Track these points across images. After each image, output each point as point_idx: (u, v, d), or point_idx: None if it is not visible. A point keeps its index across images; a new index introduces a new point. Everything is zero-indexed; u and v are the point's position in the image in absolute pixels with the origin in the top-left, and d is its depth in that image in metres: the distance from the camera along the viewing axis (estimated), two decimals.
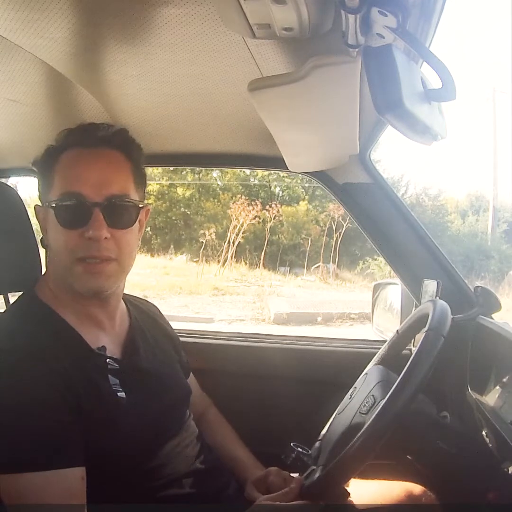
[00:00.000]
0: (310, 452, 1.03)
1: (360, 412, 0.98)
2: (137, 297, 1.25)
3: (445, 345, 0.89)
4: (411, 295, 1.45)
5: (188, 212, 15.25)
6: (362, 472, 0.86)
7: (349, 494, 0.99)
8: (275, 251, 14.09)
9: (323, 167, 1.46)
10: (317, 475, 0.93)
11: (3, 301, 1.22)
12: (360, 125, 1.11)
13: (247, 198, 13.10)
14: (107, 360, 0.98)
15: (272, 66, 0.93)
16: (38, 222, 1.05)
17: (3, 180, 1.55)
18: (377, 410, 0.85)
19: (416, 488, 1.17)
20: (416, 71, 0.79)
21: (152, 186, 14.81)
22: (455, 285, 1.40)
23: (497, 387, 1.13)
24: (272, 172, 13.26)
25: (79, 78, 1.06)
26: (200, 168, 13.44)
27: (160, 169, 13.43)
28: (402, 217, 1.44)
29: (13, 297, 1.11)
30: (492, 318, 1.31)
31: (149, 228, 14.85)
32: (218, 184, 16.04)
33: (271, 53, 0.88)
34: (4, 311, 1.05)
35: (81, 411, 0.88)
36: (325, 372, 1.53)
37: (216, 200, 15.28)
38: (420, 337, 0.92)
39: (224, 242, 12.67)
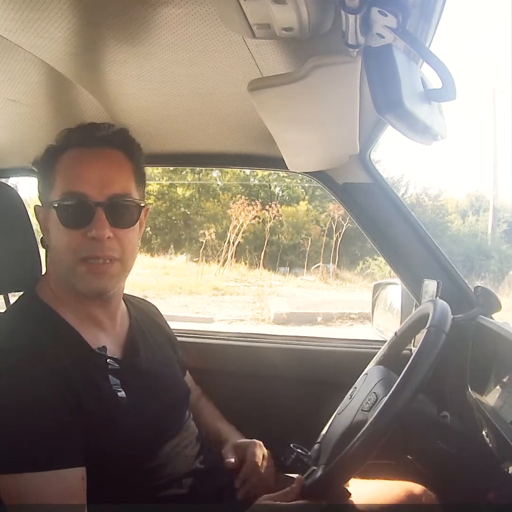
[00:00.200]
0: (309, 453, 1.03)
1: (362, 410, 0.98)
2: (137, 297, 1.25)
3: (445, 345, 0.89)
4: (411, 295, 1.44)
5: (188, 212, 15.25)
6: (362, 472, 0.86)
7: (350, 494, 0.99)
8: (275, 251, 14.08)
9: (323, 167, 1.46)
10: (318, 474, 0.93)
11: (3, 301, 1.22)
12: (360, 125, 1.11)
13: (247, 198, 13.09)
14: (108, 360, 0.98)
15: (272, 66, 0.93)
16: (38, 222, 1.05)
17: (3, 180, 1.55)
18: (380, 406, 0.85)
19: (416, 488, 1.17)
20: (416, 71, 0.79)
21: (152, 186, 14.81)
22: (455, 285, 1.40)
23: (497, 387, 1.13)
24: (272, 172, 13.27)
25: (79, 78, 1.06)
26: (200, 168, 13.44)
27: (160, 169, 13.43)
28: (402, 217, 1.44)
29: (13, 297, 1.11)
30: (492, 318, 1.31)
31: (149, 228, 14.84)
32: (218, 184, 16.04)
33: (271, 53, 0.88)
34: (5, 311, 1.05)
35: (81, 411, 0.88)
36: (325, 372, 1.53)
37: (216, 200, 15.27)
38: (420, 337, 0.92)
39: (224, 242, 12.67)
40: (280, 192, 16.16)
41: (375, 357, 1.23)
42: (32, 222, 1.18)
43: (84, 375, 0.92)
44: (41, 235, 1.07)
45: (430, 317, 0.94)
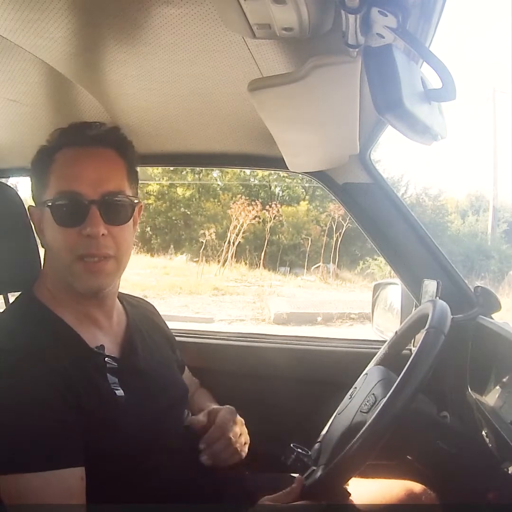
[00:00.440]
0: (310, 453, 1.03)
1: (361, 411, 0.98)
2: (133, 296, 1.25)
3: (445, 345, 0.89)
4: (411, 295, 1.44)
5: (188, 212, 15.25)
6: (362, 472, 0.86)
7: (350, 494, 0.99)
8: (275, 251, 14.08)
9: (323, 167, 1.46)
10: (318, 475, 0.93)
11: (3, 301, 1.22)
12: (360, 125, 1.11)
13: (247, 198, 13.10)
14: (106, 359, 0.98)
15: (272, 66, 0.93)
16: (33, 223, 1.06)
17: (3, 180, 1.55)
18: (379, 408, 0.85)
19: (416, 488, 1.17)
20: (416, 71, 0.79)
21: (152, 186, 14.82)
22: (455, 285, 1.40)
23: (497, 387, 1.13)
24: (272, 172, 13.27)
25: (79, 78, 1.06)
26: (200, 168, 13.44)
27: (160, 169, 13.42)
28: (402, 217, 1.44)
29: (13, 297, 1.11)
30: (492, 318, 1.31)
31: (149, 228, 14.86)
32: (218, 184, 16.04)
33: (271, 53, 0.88)
34: (3, 311, 1.05)
35: (81, 411, 0.88)
36: (325, 372, 1.53)
37: (216, 200, 15.27)
38: (420, 337, 0.92)
39: (224, 242, 12.67)
40: (280, 192, 16.17)
41: (375, 357, 1.23)
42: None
43: (83, 375, 0.92)
44: None
45: (429, 319, 0.94)
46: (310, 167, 1.48)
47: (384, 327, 1.65)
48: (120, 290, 1.17)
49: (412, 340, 1.28)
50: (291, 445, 1.03)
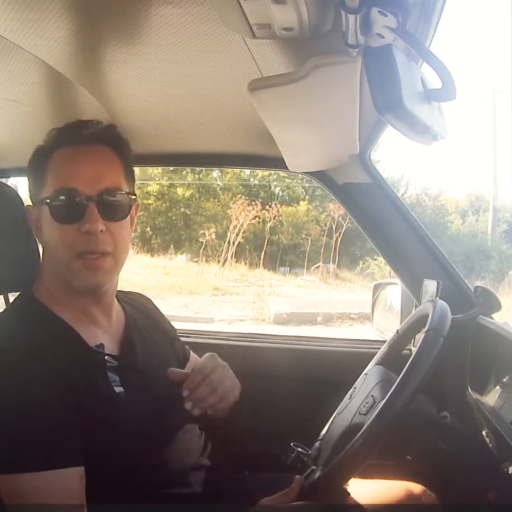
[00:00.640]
0: (310, 452, 1.03)
1: (359, 413, 0.98)
2: (128, 292, 1.25)
3: (445, 345, 0.89)
4: (411, 295, 1.45)
5: (188, 212, 15.24)
6: (362, 472, 0.86)
7: (349, 494, 0.99)
8: (275, 251, 14.08)
9: (323, 167, 1.46)
10: (317, 475, 0.93)
11: (3, 301, 1.22)
12: (360, 125, 1.11)
13: (247, 198, 13.09)
14: (106, 357, 0.98)
15: (272, 66, 0.93)
16: (31, 222, 1.06)
17: (3, 180, 1.55)
18: (377, 411, 0.85)
19: (416, 488, 1.17)
20: (416, 71, 0.79)
21: (152, 186, 14.81)
22: (455, 285, 1.40)
23: (497, 387, 1.13)
24: (272, 172, 13.26)
25: (79, 78, 1.06)
26: (200, 168, 13.44)
27: (160, 169, 13.42)
28: (402, 217, 1.44)
29: (13, 298, 1.11)
30: (492, 318, 1.31)
31: (149, 228, 14.85)
32: (218, 184, 16.04)
33: (271, 53, 0.88)
34: (2, 311, 1.05)
35: (81, 410, 0.88)
36: (325, 372, 1.53)
37: (216, 200, 15.27)
38: (420, 337, 0.92)
39: (224, 242, 12.67)
40: (280, 192, 16.16)
41: (375, 357, 1.23)
42: None
43: (83, 374, 0.92)
44: None
45: (428, 320, 0.94)
46: (310, 167, 1.48)
47: (384, 327, 1.65)
48: (119, 290, 1.17)
49: (412, 340, 1.28)
50: (291, 444, 1.03)
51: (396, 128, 0.76)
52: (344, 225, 12.62)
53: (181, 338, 1.31)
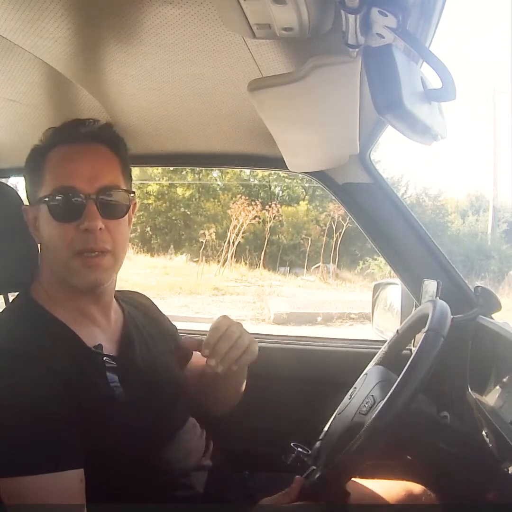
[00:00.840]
0: (310, 452, 1.03)
1: (359, 413, 0.98)
2: (126, 292, 1.25)
3: (445, 345, 0.89)
4: (411, 295, 1.44)
5: (188, 212, 15.24)
6: (362, 472, 0.86)
7: (349, 494, 0.99)
8: (275, 251, 14.08)
9: (323, 167, 1.46)
10: (317, 475, 0.93)
11: (3, 301, 1.22)
12: (360, 125, 1.11)
13: (247, 198, 13.09)
14: (105, 358, 0.98)
15: (272, 66, 0.93)
16: (28, 222, 1.05)
17: (3, 180, 1.55)
18: (377, 411, 0.85)
19: (416, 488, 1.17)
20: (416, 71, 0.79)
21: (152, 186, 14.82)
22: (455, 285, 1.40)
23: (497, 387, 1.13)
24: (272, 172, 13.26)
25: (79, 78, 1.06)
26: (200, 168, 13.43)
27: (160, 169, 13.42)
28: (402, 217, 1.44)
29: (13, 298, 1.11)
30: (492, 318, 1.31)
31: (149, 228, 14.85)
32: (218, 184, 16.04)
33: (271, 53, 0.88)
34: (1, 312, 1.05)
35: (80, 411, 0.88)
36: (325, 372, 1.53)
37: (216, 200, 15.27)
38: (420, 337, 0.92)
39: (224, 242, 12.67)
40: (280, 192, 16.17)
41: (375, 357, 1.23)
42: None
43: (82, 375, 0.92)
44: None
45: (428, 320, 0.94)
46: (310, 167, 1.48)
47: (384, 327, 1.64)
48: (119, 290, 1.17)
49: (412, 340, 1.28)
50: (292, 444, 1.03)
51: (396, 128, 0.76)
52: (344, 225, 12.62)
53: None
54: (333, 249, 13.17)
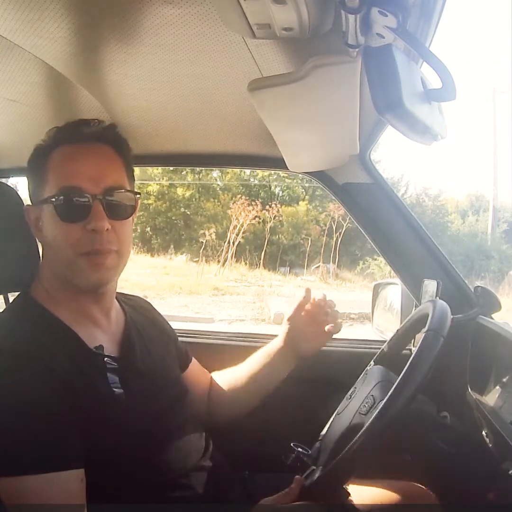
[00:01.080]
0: (310, 452, 1.03)
1: (359, 413, 0.98)
2: (128, 295, 1.25)
3: (445, 345, 0.89)
4: (411, 295, 1.44)
5: (188, 212, 15.26)
6: (362, 472, 0.86)
7: (349, 494, 0.99)
8: (275, 251, 14.10)
9: (323, 167, 1.46)
10: (317, 475, 0.93)
11: (3, 301, 1.22)
12: (360, 125, 1.11)
13: (247, 198, 13.11)
14: (105, 359, 0.98)
15: (272, 66, 0.93)
16: (29, 222, 1.05)
17: (3, 180, 1.55)
18: (377, 411, 0.85)
19: (416, 488, 1.17)
20: (416, 71, 0.79)
21: (152, 186, 14.82)
22: (455, 285, 1.40)
23: (497, 387, 1.13)
24: (272, 172, 13.27)
25: (79, 78, 1.06)
26: (200, 168, 13.44)
27: (160, 169, 13.43)
28: (402, 217, 1.44)
29: (13, 298, 1.11)
30: (492, 318, 1.31)
31: (149, 228, 14.86)
32: (218, 184, 16.05)
33: (271, 53, 0.88)
34: (1, 312, 1.05)
35: (81, 412, 0.87)
36: (325, 372, 1.53)
37: (216, 200, 15.28)
38: (420, 337, 0.92)
39: (224, 242, 12.67)
40: (280, 192, 16.18)
41: (375, 357, 1.23)
42: None
43: (83, 376, 0.91)
44: None
45: (428, 320, 0.94)
46: (310, 167, 1.48)
47: (384, 327, 1.64)
48: (120, 290, 1.17)
49: (412, 340, 1.28)
50: (291, 444, 1.03)
51: (396, 128, 0.76)
52: (344, 225, 12.63)
53: (181, 338, 1.31)
54: (333, 249, 13.18)
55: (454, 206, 18.32)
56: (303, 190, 15.98)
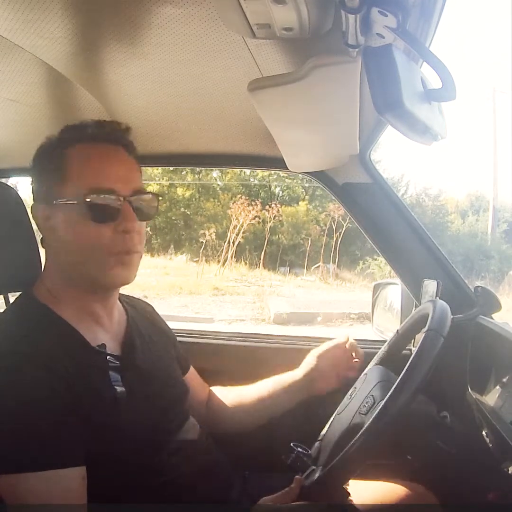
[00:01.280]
0: (310, 452, 1.03)
1: (359, 413, 0.98)
2: (130, 296, 1.25)
3: (445, 345, 0.89)
4: (411, 295, 1.44)
5: (188, 212, 15.25)
6: (362, 472, 0.86)
7: (349, 494, 0.99)
8: (275, 251, 14.09)
9: (323, 167, 1.46)
10: (317, 475, 0.93)
11: (3, 301, 1.22)
12: (360, 125, 1.11)
13: (247, 198, 13.10)
14: (108, 357, 0.98)
15: (272, 66, 0.93)
16: (37, 221, 1.03)
17: (3, 180, 1.55)
18: (377, 411, 0.85)
19: (416, 488, 1.17)
20: (416, 71, 0.79)
21: (152, 186, 14.82)
22: (455, 285, 1.40)
23: (497, 387, 1.13)
24: (272, 172, 13.27)
25: (79, 78, 1.06)
26: (200, 168, 13.44)
27: (160, 169, 13.42)
28: (402, 217, 1.44)
29: (13, 298, 1.11)
30: (492, 318, 1.31)
31: (149, 228, 14.84)
32: (218, 184, 16.05)
33: (271, 53, 0.88)
34: (3, 312, 1.05)
35: (83, 410, 0.88)
36: None
37: (216, 200, 15.28)
38: (420, 337, 0.92)
39: (224, 242, 12.67)
40: (280, 192, 16.18)
41: (375, 357, 1.23)
42: (32, 222, 1.18)
43: (85, 374, 0.92)
44: (41, 235, 1.06)
45: (428, 320, 0.94)
46: (310, 167, 1.48)
47: (384, 327, 1.64)
48: (124, 294, 1.18)
49: (412, 340, 1.28)
50: (291, 444, 1.03)
51: (396, 128, 0.76)
52: (344, 225, 12.62)
53: (181, 338, 1.32)
54: (333, 249, 13.17)
55: (454, 206, 18.32)
56: (303, 190, 15.98)
